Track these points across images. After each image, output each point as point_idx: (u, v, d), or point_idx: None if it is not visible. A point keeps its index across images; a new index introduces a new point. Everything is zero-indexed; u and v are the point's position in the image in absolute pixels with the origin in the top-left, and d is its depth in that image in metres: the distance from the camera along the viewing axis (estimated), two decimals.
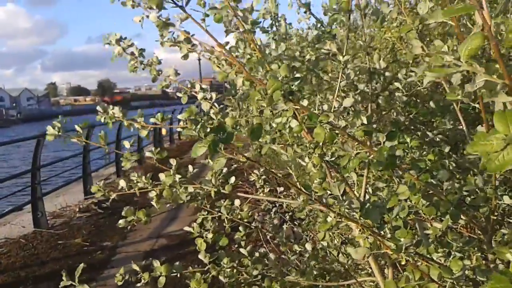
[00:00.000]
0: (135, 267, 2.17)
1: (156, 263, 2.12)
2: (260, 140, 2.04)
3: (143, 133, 2.07)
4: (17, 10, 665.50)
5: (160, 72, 2.20)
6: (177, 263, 2.20)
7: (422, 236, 1.63)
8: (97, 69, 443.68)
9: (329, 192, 1.60)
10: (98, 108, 2.08)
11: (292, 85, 1.43)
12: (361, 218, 1.48)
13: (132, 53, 2.13)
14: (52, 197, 9.99)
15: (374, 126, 1.88)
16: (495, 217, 1.73)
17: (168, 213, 8.38)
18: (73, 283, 1.74)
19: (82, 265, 1.65)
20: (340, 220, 1.51)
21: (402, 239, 1.47)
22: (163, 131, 3.54)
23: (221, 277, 2.15)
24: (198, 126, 1.22)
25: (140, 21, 1.89)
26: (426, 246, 1.56)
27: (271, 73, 1.56)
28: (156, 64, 2.19)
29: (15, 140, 9.65)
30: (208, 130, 1.22)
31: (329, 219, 1.52)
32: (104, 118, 2.07)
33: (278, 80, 1.36)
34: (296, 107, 1.41)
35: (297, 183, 1.73)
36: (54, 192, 9.80)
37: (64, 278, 1.71)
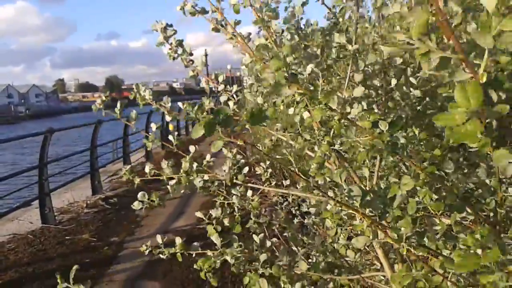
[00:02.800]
0: (159, 239, 2.31)
1: (178, 240, 2.27)
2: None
3: (168, 118, 2.21)
4: (27, 7, 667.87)
5: (191, 62, 2.30)
6: (195, 243, 2.24)
7: (430, 232, 1.59)
8: (105, 66, 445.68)
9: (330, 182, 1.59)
10: (134, 86, 2.29)
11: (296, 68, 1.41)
12: (361, 206, 1.46)
13: (171, 43, 2.28)
14: (60, 193, 10.03)
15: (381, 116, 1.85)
16: (503, 211, 1.69)
17: (175, 208, 8.38)
18: (69, 286, 1.72)
19: (76, 266, 1.62)
20: (340, 208, 1.49)
21: (403, 229, 1.45)
22: (170, 127, 3.53)
23: (228, 258, 2.14)
24: (195, 108, 1.19)
25: (181, 9, 2.09)
26: (434, 242, 1.53)
27: (273, 53, 1.55)
28: (187, 54, 2.31)
29: (22, 136, 9.66)
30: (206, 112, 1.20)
31: (328, 206, 1.50)
32: (136, 99, 2.26)
33: (280, 59, 1.33)
34: (300, 91, 1.38)
35: (296, 170, 1.70)
36: (61, 188, 9.83)
37: (59, 280, 1.69)
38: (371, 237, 1.49)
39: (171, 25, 2.23)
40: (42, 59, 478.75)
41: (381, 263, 2.17)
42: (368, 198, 1.47)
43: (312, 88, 1.63)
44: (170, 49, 2.27)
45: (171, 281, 5.21)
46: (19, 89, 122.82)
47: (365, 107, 1.70)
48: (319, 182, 1.64)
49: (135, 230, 7.47)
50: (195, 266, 2.16)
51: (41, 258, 6.42)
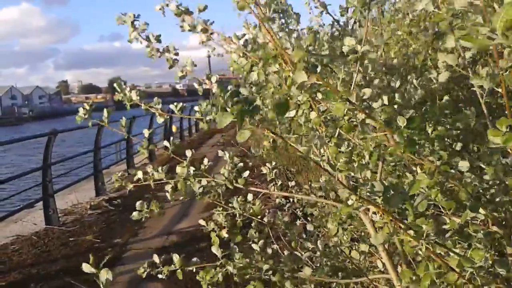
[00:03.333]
0: (156, 259, 2.26)
1: (175, 256, 2.21)
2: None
3: (160, 120, 2.16)
4: (31, 9, 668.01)
5: (176, 61, 2.13)
6: (194, 259, 2.21)
7: (440, 230, 1.59)
8: (108, 67, 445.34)
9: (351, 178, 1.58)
10: (115, 85, 2.15)
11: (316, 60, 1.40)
12: (382, 203, 1.45)
13: (148, 38, 2.05)
14: (64, 194, 10.04)
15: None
16: None
17: (179, 210, 8.38)
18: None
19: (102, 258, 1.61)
20: (362, 203, 1.47)
21: (423, 226, 1.44)
22: (174, 128, 3.54)
23: (230, 268, 2.13)
24: (227, 95, 1.17)
25: (160, 9, 1.93)
26: (443, 242, 1.52)
27: (296, 43, 1.54)
28: (172, 52, 2.12)
29: (26, 137, 9.68)
30: (235, 101, 1.18)
31: (350, 202, 1.48)
32: (121, 98, 2.15)
33: (303, 49, 1.32)
34: (319, 82, 1.37)
35: (321, 163, 1.69)
36: (65, 189, 9.85)
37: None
38: (390, 233, 1.48)
39: (139, 16, 2.02)
40: (45, 60, 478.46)
41: (384, 265, 2.16)
42: (389, 194, 1.45)
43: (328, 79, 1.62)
44: (148, 46, 2.07)
45: (175, 282, 5.20)
46: (23, 91, 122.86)
47: (385, 102, 1.68)
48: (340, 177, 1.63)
49: (139, 231, 7.47)
50: (197, 278, 2.16)
51: (45, 260, 6.43)
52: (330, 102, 1.58)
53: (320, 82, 1.39)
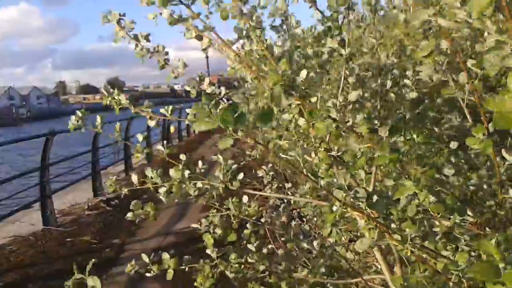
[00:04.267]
0: (145, 258, 2.21)
1: (166, 255, 2.17)
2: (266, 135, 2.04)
3: (151, 123, 2.02)
4: (29, 9, 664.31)
5: (167, 61, 2.06)
6: (187, 257, 2.21)
7: (429, 233, 1.60)
8: (106, 67, 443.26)
9: (335, 184, 1.59)
10: (103, 90, 2.06)
11: (295, 80, 1.41)
12: (366, 208, 1.46)
13: (136, 37, 1.96)
14: (61, 195, 10.03)
15: (379, 122, 1.85)
16: (503, 212, 1.70)
17: (176, 210, 8.38)
18: (83, 277, 1.70)
19: (93, 260, 1.62)
20: (346, 210, 1.49)
21: (407, 230, 1.45)
22: (172, 129, 3.53)
23: (227, 272, 2.14)
24: (212, 103, 1.16)
25: (154, 18, 1.82)
26: (433, 243, 1.53)
27: (270, 67, 1.54)
28: (162, 53, 2.04)
29: (23, 138, 9.68)
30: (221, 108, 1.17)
31: (334, 208, 1.49)
32: (109, 102, 2.05)
33: (278, 74, 1.33)
34: (298, 102, 1.38)
35: (304, 170, 1.70)
36: (63, 190, 9.84)
37: (75, 271, 1.67)
38: (375, 239, 1.49)
39: (124, 14, 1.90)
40: (44, 60, 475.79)
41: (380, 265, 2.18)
42: (373, 199, 1.47)
43: (309, 97, 1.63)
44: (136, 46, 1.96)
45: (173, 282, 5.21)
46: (20, 91, 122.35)
47: (365, 115, 1.70)
48: (323, 184, 1.64)
49: (136, 232, 7.47)
50: (195, 284, 2.16)
51: (43, 260, 6.43)
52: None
53: (299, 102, 1.39)
